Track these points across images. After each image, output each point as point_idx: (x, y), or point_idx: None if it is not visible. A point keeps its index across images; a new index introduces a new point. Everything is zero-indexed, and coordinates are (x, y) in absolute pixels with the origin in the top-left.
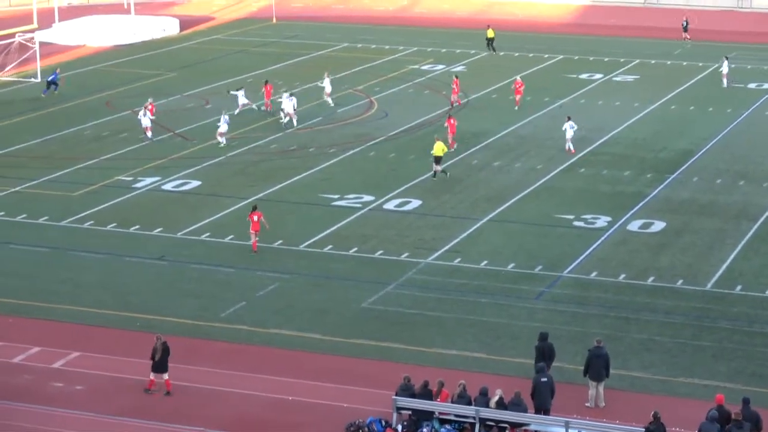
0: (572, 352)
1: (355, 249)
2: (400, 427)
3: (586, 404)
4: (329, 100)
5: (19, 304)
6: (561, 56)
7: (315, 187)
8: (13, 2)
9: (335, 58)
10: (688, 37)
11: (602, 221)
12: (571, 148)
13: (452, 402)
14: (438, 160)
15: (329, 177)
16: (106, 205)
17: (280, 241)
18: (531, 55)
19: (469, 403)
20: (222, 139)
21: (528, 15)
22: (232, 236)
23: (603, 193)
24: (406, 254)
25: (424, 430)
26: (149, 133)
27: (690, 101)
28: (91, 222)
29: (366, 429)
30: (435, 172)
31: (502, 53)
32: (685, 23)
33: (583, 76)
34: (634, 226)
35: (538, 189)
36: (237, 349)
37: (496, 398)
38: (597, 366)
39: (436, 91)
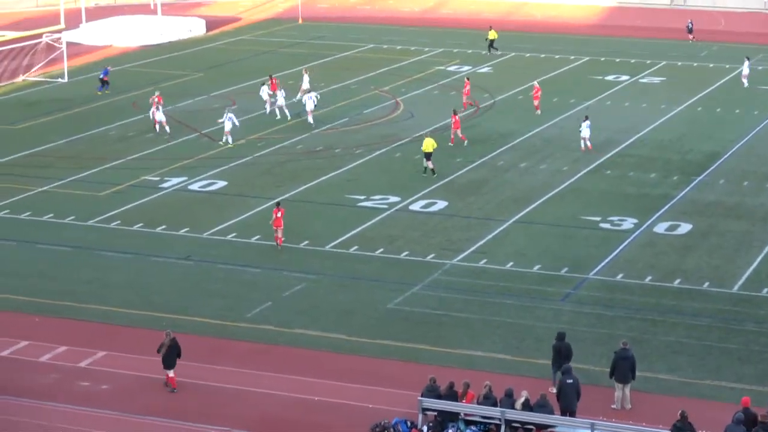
0: (598, 354)
1: (381, 250)
2: (425, 428)
3: (612, 406)
4: (302, 96)
5: (46, 303)
6: (587, 58)
7: (341, 188)
8: (40, 3)
9: (361, 59)
10: (694, 38)
11: (628, 223)
12: (588, 145)
13: (478, 403)
14: (428, 156)
15: (355, 178)
16: (132, 205)
17: (306, 242)
18: (557, 56)
19: (495, 405)
20: (229, 138)
21: (554, 16)
22: (258, 236)
23: (629, 195)
24: (431, 255)
25: (450, 431)
26: (167, 128)
27: (716, 103)
28: (118, 222)
29: (391, 430)
30: (426, 168)
31: (528, 55)
32: (689, 25)
33: (610, 77)
34: (661, 228)
35: (564, 191)
36: (262, 349)
37: (522, 400)
38: (623, 368)
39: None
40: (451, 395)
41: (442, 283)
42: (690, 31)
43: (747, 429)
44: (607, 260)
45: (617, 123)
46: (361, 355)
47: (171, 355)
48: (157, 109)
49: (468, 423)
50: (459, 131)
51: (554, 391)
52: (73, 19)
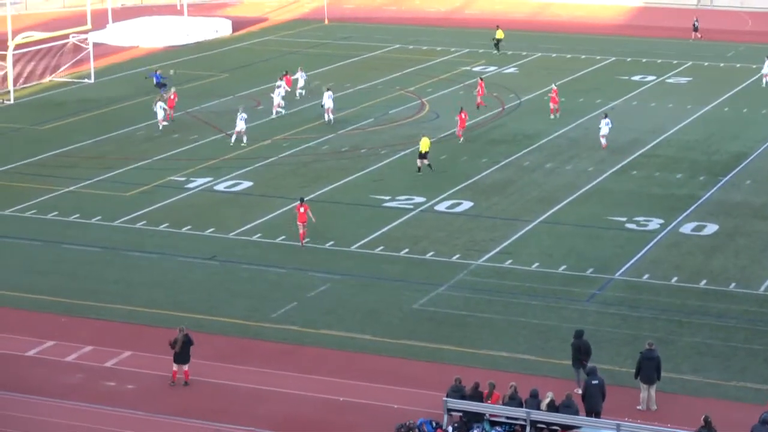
0: (623, 355)
1: (406, 250)
2: (450, 429)
3: (638, 407)
4: (298, 93)
5: (72, 303)
6: (613, 58)
7: (366, 188)
8: (67, 3)
9: (387, 60)
10: (699, 36)
11: (654, 223)
12: (604, 143)
13: (503, 404)
14: (424, 155)
15: (381, 178)
16: (158, 205)
17: (332, 242)
18: (583, 56)
19: (520, 405)
20: (242, 137)
21: (580, 16)
22: (283, 237)
23: (655, 196)
24: (457, 256)
25: (475, 431)
26: (164, 122)
27: (743, 103)
28: (144, 222)
29: (416, 430)
30: (421, 168)
31: (554, 55)
32: (695, 23)
33: (636, 77)
34: (687, 228)
35: (589, 191)
36: (287, 349)
37: (547, 400)
38: (648, 369)
39: (488, 92)
40: (477, 396)
41: (468, 284)
42: (695, 29)
43: None
44: (632, 261)
45: (643, 123)
46: (386, 355)
47: (185, 350)
48: (156, 105)
49: (493, 424)
50: (462, 129)
51: (579, 392)
52: (100, 20)
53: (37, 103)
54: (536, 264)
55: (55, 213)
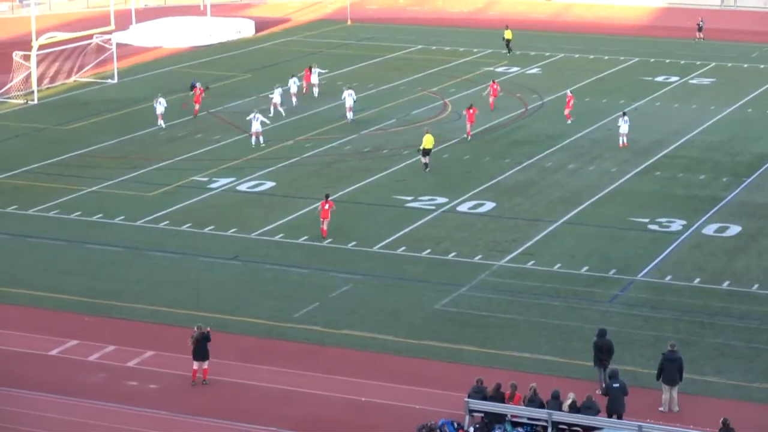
0: (646, 356)
1: (428, 251)
2: (472, 430)
3: (660, 408)
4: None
5: (95, 302)
6: (636, 59)
7: (389, 189)
8: (90, 4)
9: (409, 60)
10: (702, 36)
11: (677, 225)
12: (624, 142)
13: (524, 405)
14: (427, 152)
15: (403, 179)
16: (181, 205)
17: (354, 243)
18: (606, 57)
19: (541, 407)
20: (260, 139)
21: (603, 17)
22: (306, 237)
23: (678, 197)
24: (479, 256)
25: None
26: (161, 122)
27: (767, 104)
28: (166, 222)
29: (438, 431)
30: (426, 165)
31: (577, 56)
32: (700, 23)
33: (659, 78)
34: (710, 229)
35: (612, 192)
36: (310, 349)
37: (569, 401)
38: (671, 370)
39: (511, 93)
40: (498, 396)
41: (490, 285)
42: (700, 29)
43: None
44: (655, 262)
45: (666, 124)
46: (408, 356)
47: (201, 347)
48: (159, 103)
49: (515, 425)
50: (471, 125)
51: (599, 392)
52: (124, 21)
53: (60, 103)
54: (558, 265)
55: (79, 213)
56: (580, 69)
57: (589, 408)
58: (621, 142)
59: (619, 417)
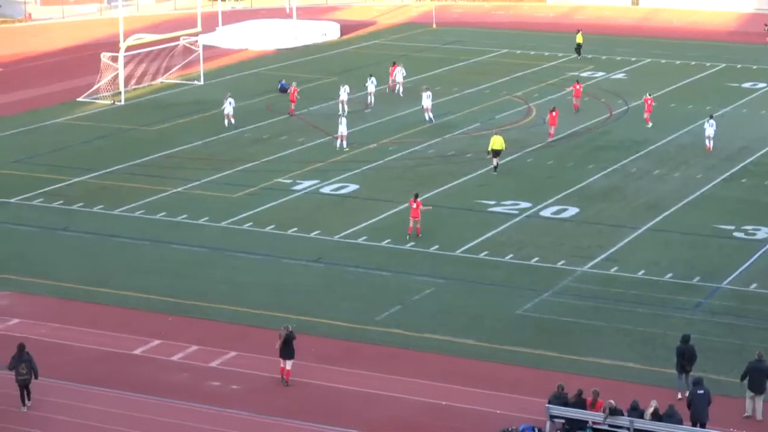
0: (729, 364)
1: (511, 255)
2: None
3: (744, 415)
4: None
5: (179, 303)
6: (723, 65)
7: (472, 193)
8: (178, 6)
9: (494, 64)
10: None
11: (763, 232)
12: (710, 145)
13: (603, 420)
14: (497, 153)
15: (486, 183)
16: (264, 207)
17: (436, 246)
18: (693, 63)
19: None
20: (344, 143)
21: (690, 22)
22: (388, 240)
23: (764, 204)
24: (562, 262)
25: None
26: (232, 120)
27: None
28: (250, 223)
29: None
30: (496, 166)
31: (663, 61)
32: (766, 27)
33: (746, 85)
34: None
35: (697, 198)
36: (391, 352)
37: (651, 409)
38: (757, 378)
39: (596, 98)
40: (580, 403)
41: (572, 290)
42: None
43: None
44: (740, 270)
45: (753, 131)
46: (489, 360)
47: (289, 346)
48: (230, 103)
49: None
50: (555, 127)
51: (679, 397)
52: (210, 23)
53: (147, 104)
54: (642, 271)
55: (164, 213)
56: (666, 74)
57: (671, 416)
58: (707, 146)
59: (703, 426)
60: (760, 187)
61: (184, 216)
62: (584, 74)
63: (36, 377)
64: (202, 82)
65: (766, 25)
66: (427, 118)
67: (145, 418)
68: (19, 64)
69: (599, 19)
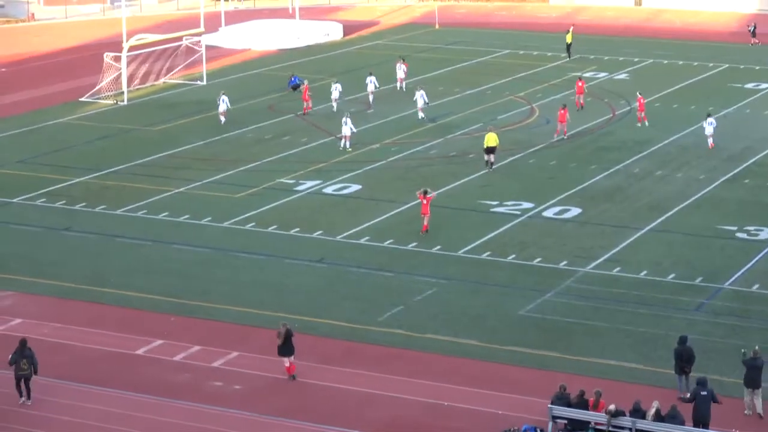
0: (731, 365)
1: (513, 256)
2: None
3: (745, 412)
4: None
5: (181, 303)
6: (726, 65)
7: (474, 194)
8: (180, 6)
9: (497, 65)
10: (757, 41)
11: (766, 233)
12: (712, 143)
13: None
14: (491, 150)
15: (488, 183)
16: (267, 207)
17: (439, 247)
18: (695, 63)
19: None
20: (347, 143)
21: (693, 23)
22: (391, 240)
23: (767, 205)
24: (564, 262)
25: None
26: (222, 118)
27: None
28: (253, 224)
29: None
30: (490, 164)
31: (666, 61)
32: (752, 28)
33: (749, 85)
34: None
35: (700, 199)
36: (393, 353)
37: (653, 410)
38: (752, 375)
39: (599, 98)
40: (582, 404)
41: (575, 291)
42: (753, 34)
43: None
44: (742, 270)
45: (756, 132)
46: (492, 361)
47: (288, 343)
48: (223, 101)
49: None
50: (564, 125)
51: (680, 396)
52: (213, 23)
53: (150, 104)
54: (644, 272)
55: (166, 213)
56: (669, 75)
57: (674, 417)
58: (710, 144)
59: (705, 426)
60: (762, 188)
61: (187, 216)
62: (587, 74)
63: (36, 373)
64: (204, 83)
65: (749, 27)
66: (419, 117)
67: (147, 419)
68: (22, 64)
69: (602, 19)
